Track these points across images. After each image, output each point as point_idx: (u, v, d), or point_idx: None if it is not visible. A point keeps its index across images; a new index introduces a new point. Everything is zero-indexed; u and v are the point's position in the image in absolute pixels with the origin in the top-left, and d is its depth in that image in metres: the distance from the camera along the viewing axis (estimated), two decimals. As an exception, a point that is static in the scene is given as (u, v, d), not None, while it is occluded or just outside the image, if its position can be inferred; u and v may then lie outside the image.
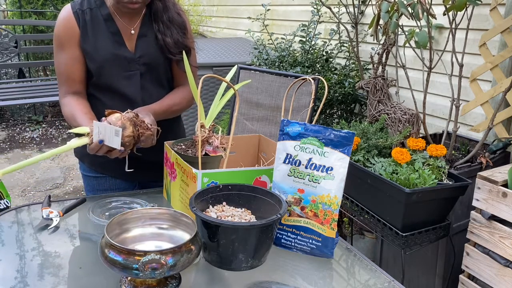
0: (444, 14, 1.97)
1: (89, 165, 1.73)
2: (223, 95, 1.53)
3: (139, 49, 1.60)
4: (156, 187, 1.67)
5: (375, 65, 2.53)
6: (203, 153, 1.41)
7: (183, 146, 1.51)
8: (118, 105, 1.55)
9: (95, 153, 1.38)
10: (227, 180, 1.32)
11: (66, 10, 1.56)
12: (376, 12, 2.10)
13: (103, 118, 1.41)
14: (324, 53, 3.18)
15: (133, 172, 1.69)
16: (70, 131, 1.43)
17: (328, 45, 3.23)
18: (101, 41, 1.56)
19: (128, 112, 1.42)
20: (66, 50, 1.56)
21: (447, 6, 1.92)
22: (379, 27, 2.16)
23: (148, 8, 1.63)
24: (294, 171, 1.27)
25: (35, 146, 4.92)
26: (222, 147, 1.43)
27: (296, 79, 1.57)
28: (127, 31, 1.59)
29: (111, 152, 1.40)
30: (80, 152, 1.74)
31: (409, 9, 1.86)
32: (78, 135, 1.41)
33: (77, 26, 1.54)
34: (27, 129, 5.42)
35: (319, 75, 2.85)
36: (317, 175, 1.25)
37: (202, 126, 1.43)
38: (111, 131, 1.35)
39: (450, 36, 2.07)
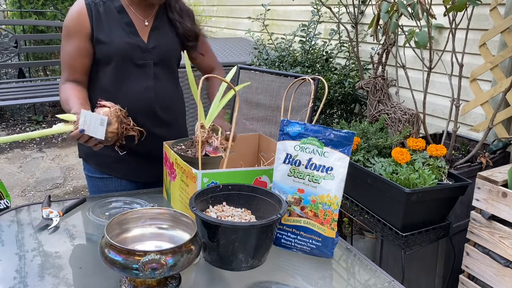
0: (444, 15, 1.97)
1: (95, 165, 1.74)
2: (223, 95, 1.53)
3: (152, 39, 1.64)
4: (160, 186, 1.68)
5: (375, 65, 2.53)
6: (203, 153, 1.41)
7: (183, 146, 1.52)
8: (131, 95, 1.60)
9: (75, 141, 1.42)
10: (227, 180, 1.32)
11: (79, 3, 1.60)
12: (376, 12, 2.10)
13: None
14: (324, 53, 3.18)
15: (139, 172, 1.71)
16: (58, 116, 1.45)
17: (328, 45, 3.23)
18: (115, 31, 1.59)
19: (116, 108, 1.45)
20: (73, 41, 1.59)
21: (447, 7, 1.92)
22: (379, 27, 2.16)
23: (162, 5, 1.69)
24: (294, 171, 1.27)
25: (35, 146, 4.92)
26: (222, 148, 1.43)
27: (296, 79, 1.57)
28: (140, 23, 1.64)
29: (89, 141, 1.42)
30: (85, 152, 1.75)
31: (409, 9, 1.86)
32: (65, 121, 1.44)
33: (88, 20, 1.58)
34: (27, 129, 5.42)
35: (319, 75, 2.85)
36: (317, 175, 1.25)
37: (202, 126, 1.43)
38: (96, 120, 1.38)
39: (450, 36, 2.07)
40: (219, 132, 1.47)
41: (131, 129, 1.47)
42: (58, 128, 1.42)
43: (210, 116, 1.49)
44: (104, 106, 1.46)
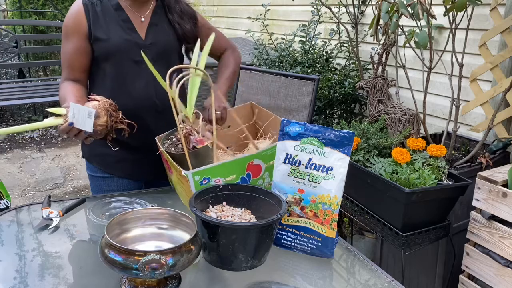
0: (444, 15, 1.97)
1: (97, 165, 1.75)
2: (192, 82, 1.48)
3: (150, 36, 1.65)
4: (161, 185, 1.67)
5: (375, 65, 2.53)
6: (191, 146, 1.40)
7: (174, 139, 1.50)
8: (131, 92, 1.61)
9: (65, 134, 1.41)
10: (219, 173, 1.31)
11: (77, 3, 1.62)
12: (376, 12, 2.10)
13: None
14: (324, 53, 3.18)
15: (141, 170, 1.71)
16: (48, 109, 1.45)
17: (328, 45, 3.23)
18: (113, 28, 1.61)
19: (105, 102, 1.45)
20: (71, 41, 1.61)
21: (447, 7, 1.92)
22: (379, 27, 2.16)
23: (159, 0, 1.70)
24: (294, 171, 1.27)
25: (35, 146, 4.92)
26: (210, 132, 1.42)
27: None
28: (137, 20, 1.65)
29: (79, 134, 1.42)
30: (88, 152, 1.76)
31: (409, 9, 1.86)
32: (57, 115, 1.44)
33: (85, 19, 1.59)
34: (27, 129, 5.41)
35: (319, 75, 2.85)
36: (317, 175, 1.25)
37: (185, 119, 1.41)
38: (84, 112, 1.38)
39: (450, 36, 2.07)
40: (200, 119, 1.44)
41: (120, 122, 1.47)
42: (48, 121, 1.42)
43: (190, 107, 1.46)
44: (94, 99, 1.46)
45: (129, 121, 1.50)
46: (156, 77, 1.43)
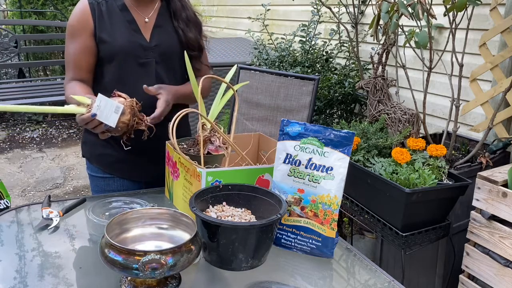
0: (444, 15, 1.97)
1: (97, 165, 1.74)
2: (223, 94, 1.54)
3: (154, 38, 1.65)
4: (161, 185, 1.68)
5: (375, 65, 2.53)
6: (205, 152, 1.42)
7: (185, 146, 1.52)
8: (133, 93, 1.59)
9: (83, 125, 1.40)
10: (231, 179, 1.33)
11: (82, 2, 1.61)
12: (376, 12, 2.10)
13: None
14: (324, 53, 3.18)
15: (141, 171, 1.71)
16: (72, 96, 1.43)
17: (328, 45, 3.23)
18: (118, 29, 1.60)
19: (132, 100, 1.46)
20: (77, 40, 1.60)
21: (447, 7, 1.92)
22: (379, 27, 2.16)
23: (164, 1, 1.70)
24: (294, 171, 1.27)
25: (35, 146, 4.92)
26: (225, 146, 1.44)
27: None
28: (142, 21, 1.65)
29: (98, 127, 1.41)
30: (89, 152, 1.76)
31: (409, 9, 1.86)
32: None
33: (91, 18, 1.59)
34: (27, 129, 5.43)
35: (319, 75, 2.85)
36: (317, 175, 1.25)
37: (204, 125, 1.44)
38: (111, 106, 1.37)
39: (450, 36, 2.07)
40: (221, 130, 1.47)
41: (142, 124, 1.47)
42: (70, 108, 1.40)
43: (212, 115, 1.50)
44: (120, 96, 1.46)
45: (150, 124, 1.50)
46: (191, 82, 1.46)
